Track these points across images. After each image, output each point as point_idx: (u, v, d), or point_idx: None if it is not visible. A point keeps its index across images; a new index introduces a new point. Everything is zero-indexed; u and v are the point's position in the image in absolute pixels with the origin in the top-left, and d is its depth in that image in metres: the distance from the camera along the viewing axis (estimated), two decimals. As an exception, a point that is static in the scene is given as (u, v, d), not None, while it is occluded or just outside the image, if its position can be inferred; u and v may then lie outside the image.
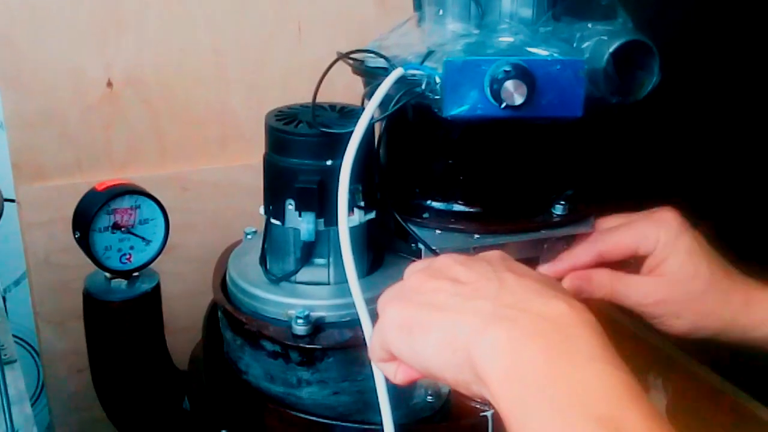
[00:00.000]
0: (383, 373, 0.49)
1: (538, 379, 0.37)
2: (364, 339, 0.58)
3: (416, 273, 0.49)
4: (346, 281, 0.59)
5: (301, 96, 0.69)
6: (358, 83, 0.71)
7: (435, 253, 0.65)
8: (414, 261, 0.65)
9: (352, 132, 0.60)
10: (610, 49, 0.61)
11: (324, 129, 0.63)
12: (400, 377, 0.48)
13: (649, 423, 0.35)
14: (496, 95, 0.57)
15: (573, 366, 0.37)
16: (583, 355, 0.38)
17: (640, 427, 0.35)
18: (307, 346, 0.62)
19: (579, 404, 0.36)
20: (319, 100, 0.65)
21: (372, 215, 0.67)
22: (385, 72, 0.63)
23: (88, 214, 0.68)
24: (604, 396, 0.36)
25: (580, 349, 0.38)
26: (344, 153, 0.60)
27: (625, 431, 0.35)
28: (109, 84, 0.93)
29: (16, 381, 0.66)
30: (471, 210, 0.68)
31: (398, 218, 0.68)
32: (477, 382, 0.40)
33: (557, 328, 0.39)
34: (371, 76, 0.67)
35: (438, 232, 0.67)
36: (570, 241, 0.69)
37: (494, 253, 0.49)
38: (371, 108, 0.61)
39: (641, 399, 0.36)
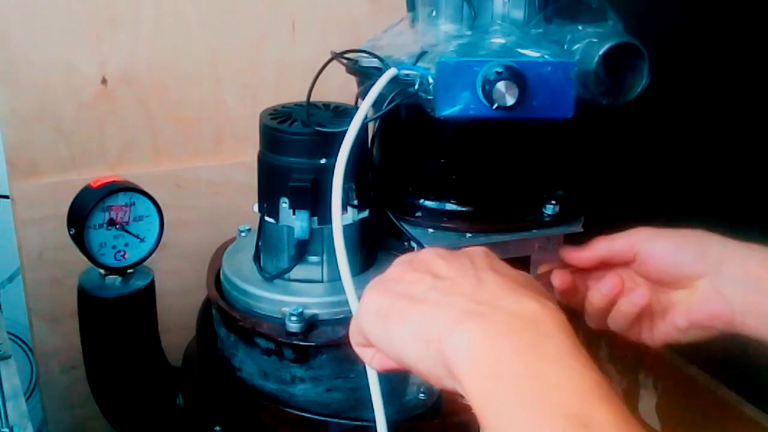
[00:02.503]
0: (360, 358, 0.49)
1: (510, 376, 0.38)
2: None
3: (399, 264, 0.49)
4: (340, 279, 0.60)
5: (295, 94, 0.69)
6: (351, 82, 0.72)
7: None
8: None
9: (345, 131, 0.61)
10: (601, 51, 0.62)
11: (318, 128, 0.64)
12: (376, 363, 0.48)
13: (618, 421, 0.36)
14: (488, 96, 0.58)
15: (544, 363, 0.38)
16: (553, 354, 0.39)
17: (609, 424, 0.36)
18: (301, 343, 0.63)
19: (549, 401, 0.36)
20: (313, 98, 0.65)
21: (365, 214, 0.67)
22: (379, 72, 0.63)
23: (83, 211, 0.69)
24: (574, 394, 0.37)
25: (551, 348, 0.39)
26: (338, 152, 0.60)
27: (594, 428, 0.35)
28: (104, 81, 0.94)
29: (11, 377, 0.66)
30: (463, 209, 0.69)
31: (391, 217, 0.68)
32: (449, 377, 0.41)
33: (529, 326, 0.40)
34: (365, 76, 0.68)
35: (430, 230, 0.68)
36: (560, 241, 0.69)
37: (477, 250, 0.49)
38: (365, 107, 0.61)
39: (610, 397, 0.37)
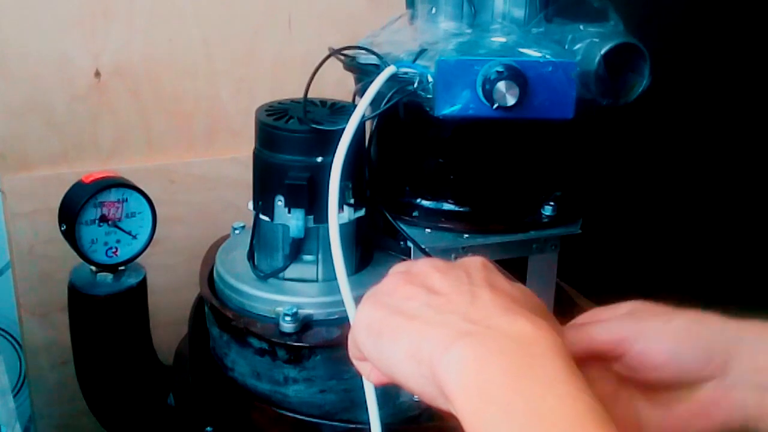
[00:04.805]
0: (358, 371, 0.49)
1: (501, 399, 0.37)
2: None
3: (394, 276, 0.48)
4: (335, 278, 0.59)
5: (291, 89, 0.69)
6: (348, 79, 0.71)
7: (424, 251, 0.65)
8: (403, 260, 0.65)
9: (343, 129, 0.60)
10: (602, 52, 0.61)
11: (315, 125, 0.63)
12: (374, 378, 0.48)
13: None
14: (489, 96, 0.57)
15: (536, 387, 0.37)
16: (546, 377, 0.38)
17: None
18: (295, 343, 0.62)
19: (541, 426, 0.36)
20: (309, 94, 0.64)
21: (361, 213, 0.66)
22: (377, 69, 0.62)
23: (75, 207, 0.68)
24: (567, 419, 0.36)
25: (544, 371, 0.38)
26: (335, 150, 0.59)
27: None
28: (97, 74, 0.92)
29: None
30: (460, 209, 0.68)
31: (388, 216, 0.68)
32: (441, 396, 0.40)
33: (521, 348, 0.39)
34: (363, 73, 0.67)
35: (427, 230, 0.67)
36: (558, 242, 0.69)
37: (475, 262, 0.47)
38: (363, 105, 0.60)
39: (604, 423, 0.36)
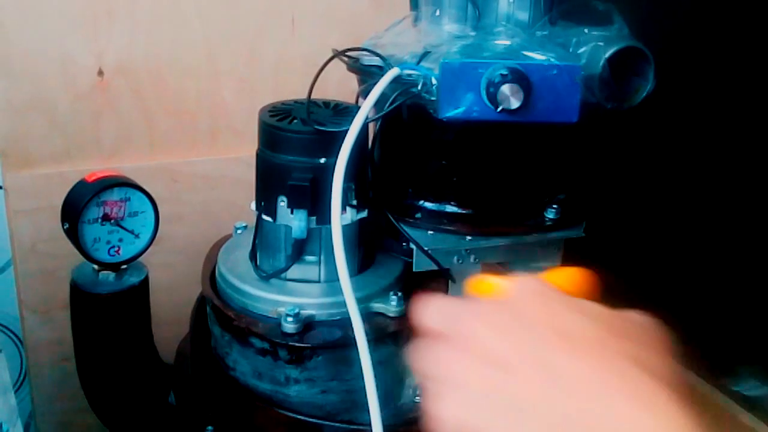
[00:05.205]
0: None
1: None
2: (353, 338, 0.58)
3: (448, 351, 0.40)
4: (337, 279, 0.59)
5: (294, 89, 0.69)
6: (351, 79, 0.71)
7: (426, 253, 0.65)
8: (405, 260, 0.65)
9: (346, 130, 0.60)
10: (606, 55, 0.61)
11: (318, 127, 0.63)
12: None
13: None
14: (493, 99, 0.57)
15: None
16: None
17: None
18: (297, 344, 0.62)
19: None
20: (311, 96, 0.64)
21: (364, 214, 0.66)
22: (381, 71, 0.62)
23: (78, 206, 0.68)
24: None
25: None
26: (338, 151, 0.59)
27: None
28: (100, 73, 0.92)
29: (1, 372, 0.65)
30: (463, 211, 0.68)
31: (390, 218, 0.68)
32: None
33: None
34: (366, 75, 0.67)
35: (430, 232, 0.67)
36: (561, 245, 0.69)
37: (525, 295, 0.40)
38: (366, 107, 0.60)
39: None
